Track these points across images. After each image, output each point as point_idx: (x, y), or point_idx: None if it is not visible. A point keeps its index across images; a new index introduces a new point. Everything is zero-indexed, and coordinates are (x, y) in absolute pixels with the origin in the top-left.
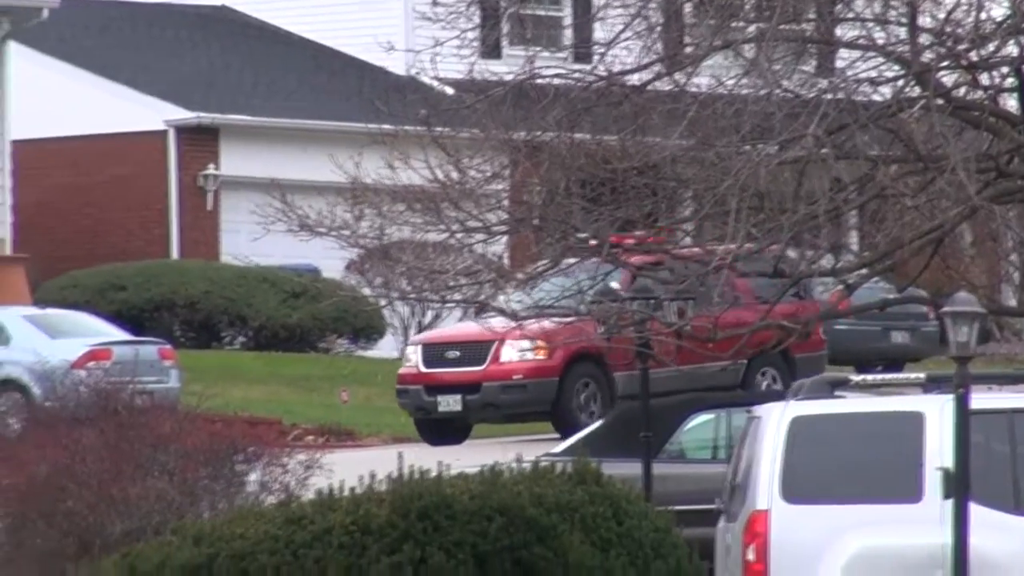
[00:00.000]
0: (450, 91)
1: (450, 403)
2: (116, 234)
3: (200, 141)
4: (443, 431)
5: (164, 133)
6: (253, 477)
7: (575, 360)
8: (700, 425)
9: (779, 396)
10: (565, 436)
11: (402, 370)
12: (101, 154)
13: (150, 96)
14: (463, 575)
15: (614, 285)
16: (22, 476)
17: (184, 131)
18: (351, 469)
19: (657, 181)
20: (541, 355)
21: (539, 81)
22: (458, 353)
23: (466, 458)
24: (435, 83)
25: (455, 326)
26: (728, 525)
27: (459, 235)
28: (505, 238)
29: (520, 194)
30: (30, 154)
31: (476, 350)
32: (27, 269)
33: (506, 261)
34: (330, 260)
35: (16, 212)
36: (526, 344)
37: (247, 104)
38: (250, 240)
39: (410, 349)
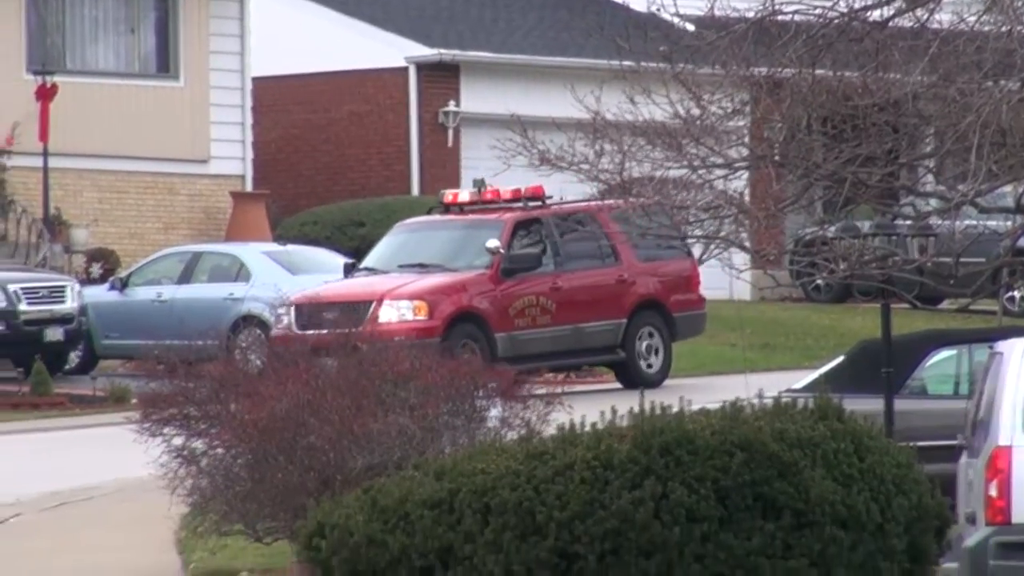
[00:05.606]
0: (691, 27)
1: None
2: (356, 171)
3: (441, 78)
4: None
5: (405, 70)
6: (494, 412)
7: (456, 321)
8: (942, 361)
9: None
10: None
11: (274, 331)
12: (341, 91)
13: (391, 33)
14: (704, 510)
15: (494, 243)
16: (263, 411)
17: (425, 68)
18: (592, 405)
19: (898, 118)
20: (421, 315)
21: (780, 17)
22: (334, 314)
23: None
24: (676, 19)
25: (328, 285)
26: (970, 461)
27: (700, 171)
28: (746, 174)
29: (761, 130)
30: (269, 91)
31: (352, 311)
32: (267, 206)
33: (747, 197)
34: (571, 196)
35: (256, 149)
36: (405, 304)
37: (487, 41)
38: (490, 176)
39: (281, 310)
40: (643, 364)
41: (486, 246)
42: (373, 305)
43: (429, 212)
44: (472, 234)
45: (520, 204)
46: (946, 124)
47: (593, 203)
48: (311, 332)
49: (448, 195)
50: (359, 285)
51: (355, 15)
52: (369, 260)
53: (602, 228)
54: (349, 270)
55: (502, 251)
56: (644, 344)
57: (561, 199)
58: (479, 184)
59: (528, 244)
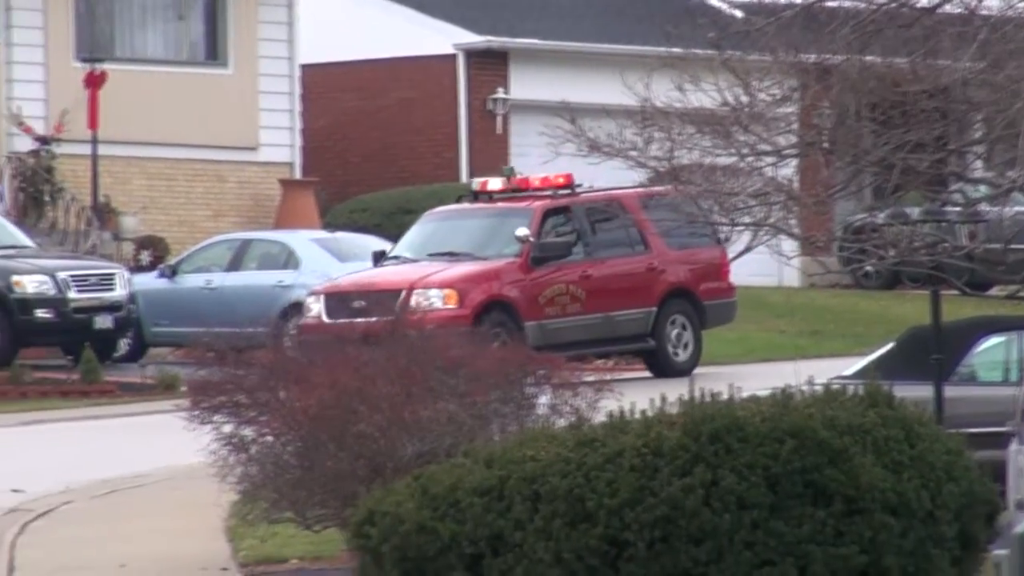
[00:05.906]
0: (739, 14)
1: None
2: (405, 158)
3: (489, 65)
4: None
5: (453, 57)
6: (543, 400)
7: (486, 309)
8: (991, 347)
9: None
10: None
11: (304, 320)
12: (389, 78)
13: (439, 20)
14: (754, 497)
15: (523, 231)
16: (312, 399)
17: (473, 55)
18: (641, 392)
19: (947, 104)
20: (451, 304)
21: (829, 3)
22: (364, 303)
23: None
24: (724, 6)
25: (358, 274)
26: (1020, 448)
27: (749, 158)
28: (795, 161)
29: (810, 117)
30: (318, 79)
31: (383, 300)
32: (316, 193)
33: (796, 184)
34: (613, 183)
35: (305, 137)
36: (435, 292)
37: (536, 27)
38: (540, 163)
39: (311, 299)
40: (673, 352)
41: (516, 234)
42: (403, 293)
43: (458, 200)
44: (502, 222)
45: (550, 192)
46: (995, 110)
47: (623, 190)
48: (342, 321)
49: (478, 183)
50: (389, 274)
51: (403, 2)
52: (399, 248)
53: (632, 216)
54: (379, 259)
55: (532, 239)
56: (674, 332)
57: (591, 187)
58: (508, 172)
59: (558, 232)
